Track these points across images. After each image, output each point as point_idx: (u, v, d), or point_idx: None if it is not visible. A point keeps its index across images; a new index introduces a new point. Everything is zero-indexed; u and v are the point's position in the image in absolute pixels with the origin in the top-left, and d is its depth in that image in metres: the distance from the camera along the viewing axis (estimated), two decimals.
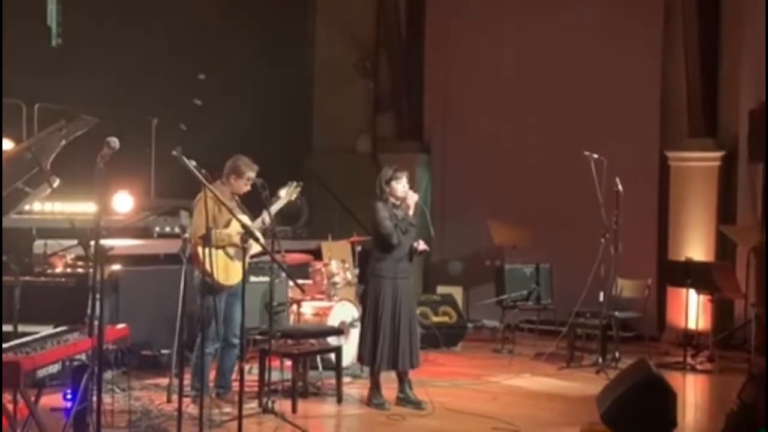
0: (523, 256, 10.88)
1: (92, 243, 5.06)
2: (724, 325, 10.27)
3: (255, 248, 6.80)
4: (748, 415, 5.50)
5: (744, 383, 5.90)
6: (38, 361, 4.76)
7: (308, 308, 8.64)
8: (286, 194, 7.27)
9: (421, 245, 7.31)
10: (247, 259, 6.54)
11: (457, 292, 11.17)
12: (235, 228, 6.84)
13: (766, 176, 10.22)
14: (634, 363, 6.70)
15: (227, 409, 6.91)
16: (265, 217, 6.99)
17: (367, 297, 7.32)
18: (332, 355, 7.82)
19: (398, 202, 7.29)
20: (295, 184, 7.32)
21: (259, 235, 6.78)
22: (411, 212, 7.30)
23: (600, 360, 9.04)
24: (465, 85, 12.43)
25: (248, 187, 7.11)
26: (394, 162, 7.81)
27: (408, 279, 7.37)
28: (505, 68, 12.05)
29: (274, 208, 7.12)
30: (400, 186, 7.27)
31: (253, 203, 7.16)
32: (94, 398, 5.04)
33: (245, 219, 6.73)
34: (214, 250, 6.55)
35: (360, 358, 7.45)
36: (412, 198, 7.29)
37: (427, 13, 12.82)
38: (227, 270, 6.94)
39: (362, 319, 7.46)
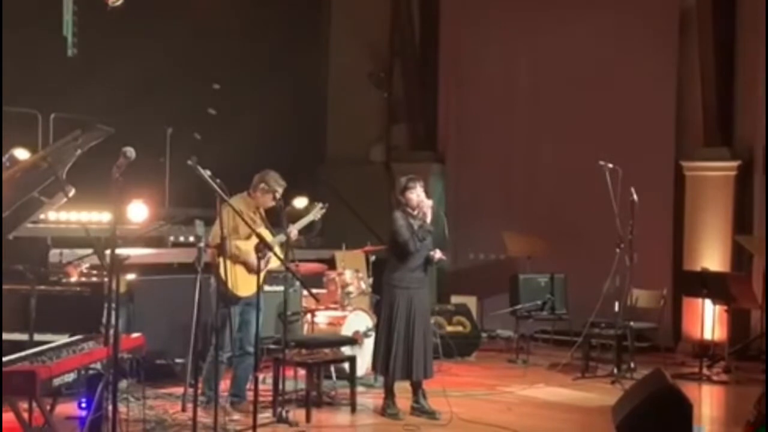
0: (537, 266, 10.84)
1: (108, 252, 5.08)
2: (740, 335, 10.21)
3: (273, 262, 6.80)
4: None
5: (760, 394, 5.86)
6: (54, 370, 4.79)
7: (322, 317, 8.64)
8: (312, 214, 7.31)
9: (438, 254, 7.29)
10: (264, 272, 6.55)
11: (471, 302, 11.13)
12: (255, 242, 6.87)
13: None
14: (649, 374, 6.66)
15: (236, 416, 6.92)
16: (289, 232, 7.02)
17: (382, 307, 7.33)
18: (346, 365, 7.82)
19: (415, 212, 7.30)
20: (320, 205, 7.38)
21: (278, 249, 6.80)
22: (429, 219, 7.29)
23: (615, 370, 9.00)
24: (479, 95, 12.41)
25: (273, 202, 7.16)
26: (408, 172, 7.81)
27: (422, 289, 7.37)
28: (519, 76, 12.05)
29: (297, 226, 7.18)
30: (415, 195, 7.28)
31: (270, 215, 7.19)
32: (109, 407, 5.05)
33: (266, 233, 6.77)
34: (231, 263, 6.62)
35: (374, 367, 7.45)
36: (427, 204, 7.29)
37: (441, 23, 12.82)
38: (246, 282, 6.95)
39: (377, 328, 7.47)
